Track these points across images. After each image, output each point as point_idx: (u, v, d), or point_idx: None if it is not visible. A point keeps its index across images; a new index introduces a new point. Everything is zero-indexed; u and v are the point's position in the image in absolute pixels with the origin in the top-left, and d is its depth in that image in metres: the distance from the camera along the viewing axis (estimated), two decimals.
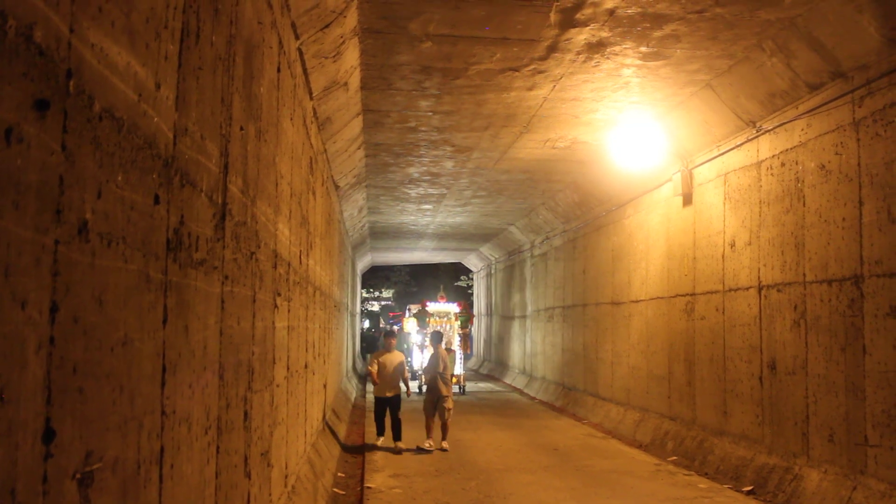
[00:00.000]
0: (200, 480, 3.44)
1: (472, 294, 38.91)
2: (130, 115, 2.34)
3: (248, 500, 4.76)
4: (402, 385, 12.43)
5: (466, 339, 24.12)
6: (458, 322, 24.01)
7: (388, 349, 12.56)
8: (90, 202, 2.03)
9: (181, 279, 3.00)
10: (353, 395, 20.16)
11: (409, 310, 30.20)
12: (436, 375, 12.33)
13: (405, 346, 28.02)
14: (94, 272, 2.08)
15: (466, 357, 25.19)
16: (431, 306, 24.73)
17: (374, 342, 34.46)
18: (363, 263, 35.05)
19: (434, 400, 12.23)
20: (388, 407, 12.21)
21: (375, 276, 46.27)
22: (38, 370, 1.74)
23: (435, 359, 12.55)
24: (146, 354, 2.57)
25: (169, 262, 2.82)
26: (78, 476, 1.98)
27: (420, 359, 23.10)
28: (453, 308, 24.74)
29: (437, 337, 13.06)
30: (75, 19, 1.91)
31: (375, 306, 52.72)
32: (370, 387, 26.08)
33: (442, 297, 25.71)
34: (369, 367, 12.40)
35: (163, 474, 2.80)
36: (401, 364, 12.37)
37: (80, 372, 1.99)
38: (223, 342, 3.87)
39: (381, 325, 43.16)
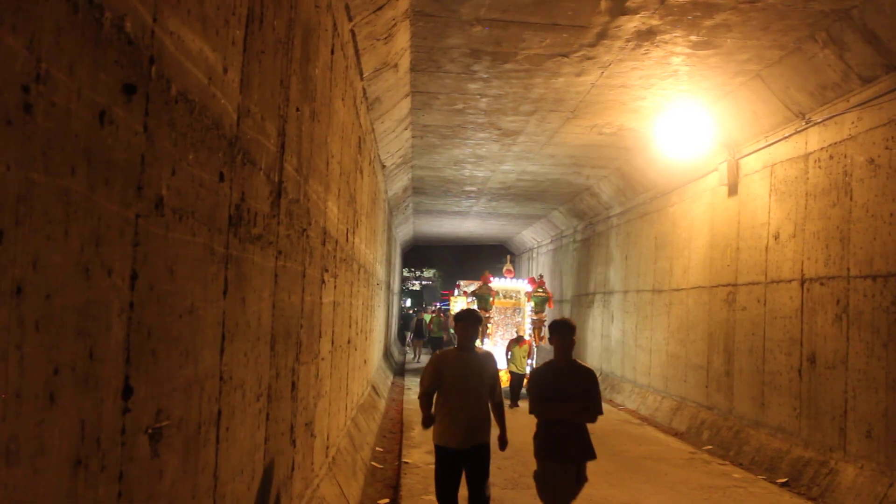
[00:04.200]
0: (252, 445, 3.62)
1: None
2: (201, 97, 2.50)
3: (293, 468, 4.96)
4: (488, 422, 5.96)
5: (541, 327, 17.68)
6: (532, 304, 18.26)
7: (463, 347, 5.99)
8: (166, 179, 2.19)
9: (240, 253, 3.17)
10: (390, 378, 20.37)
11: (459, 286, 24.93)
12: (567, 420, 5.64)
13: (447, 331, 25.53)
14: (168, 244, 2.24)
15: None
16: (496, 283, 18.81)
17: (410, 322, 29.53)
18: (405, 241, 35.31)
19: (567, 472, 5.62)
20: (463, 471, 5.83)
21: (417, 256, 46.54)
22: (120, 332, 1.91)
23: (566, 378, 5.70)
24: (209, 323, 2.74)
25: (230, 236, 2.98)
26: (150, 431, 2.15)
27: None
28: (523, 286, 19.05)
29: (566, 331, 5.83)
30: (158, 9, 2.06)
31: (416, 286, 53.02)
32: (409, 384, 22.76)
33: (509, 272, 20.08)
34: (421, 388, 6.05)
35: (219, 436, 2.98)
36: (492, 379, 6.00)
37: (154, 336, 2.15)
38: (275, 314, 4.05)
39: (423, 306, 41.59)
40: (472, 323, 6.05)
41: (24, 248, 1.42)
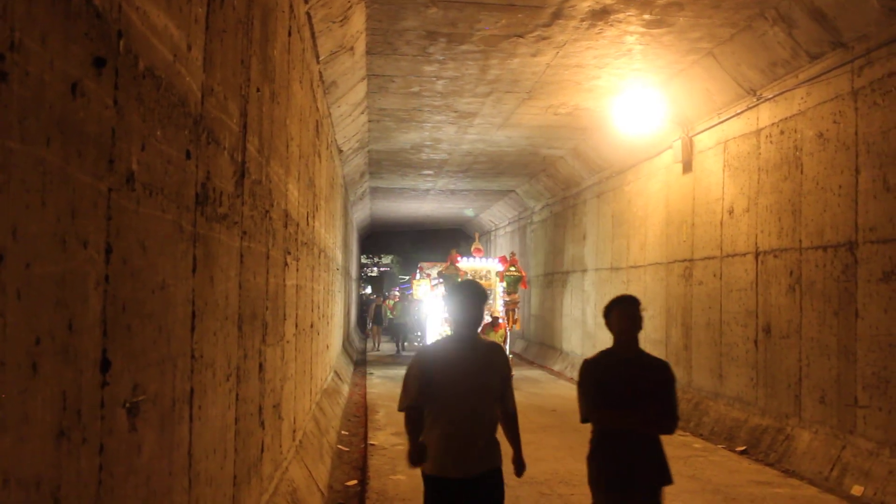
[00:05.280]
0: (223, 424, 3.63)
1: None
2: (167, 74, 2.49)
3: (262, 450, 4.97)
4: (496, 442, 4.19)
5: (515, 310, 16.65)
6: (504, 284, 16.95)
7: (462, 335, 4.18)
8: (136, 154, 2.19)
9: (207, 231, 3.17)
10: (352, 364, 20.37)
11: (421, 269, 23.60)
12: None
13: (411, 317, 24.50)
14: (139, 219, 2.24)
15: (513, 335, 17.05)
16: (464, 263, 17.47)
17: (370, 308, 27.71)
18: (363, 227, 35.20)
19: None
20: None
21: (375, 243, 46.42)
22: (97, 305, 1.91)
23: (634, 372, 4.25)
24: (179, 300, 2.74)
25: (197, 214, 2.98)
26: (127, 405, 2.16)
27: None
28: (494, 265, 17.75)
29: (630, 306, 4.40)
30: None
31: (375, 272, 52.89)
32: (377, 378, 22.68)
33: (478, 250, 18.57)
34: (403, 400, 4.16)
35: (192, 414, 2.99)
36: (501, 380, 4.20)
37: (128, 310, 2.16)
38: (242, 295, 4.05)
39: (384, 293, 41.19)
40: (473, 299, 4.16)
41: (3, 216, 1.42)
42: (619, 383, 4.14)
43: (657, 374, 4.23)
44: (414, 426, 4.10)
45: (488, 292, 17.33)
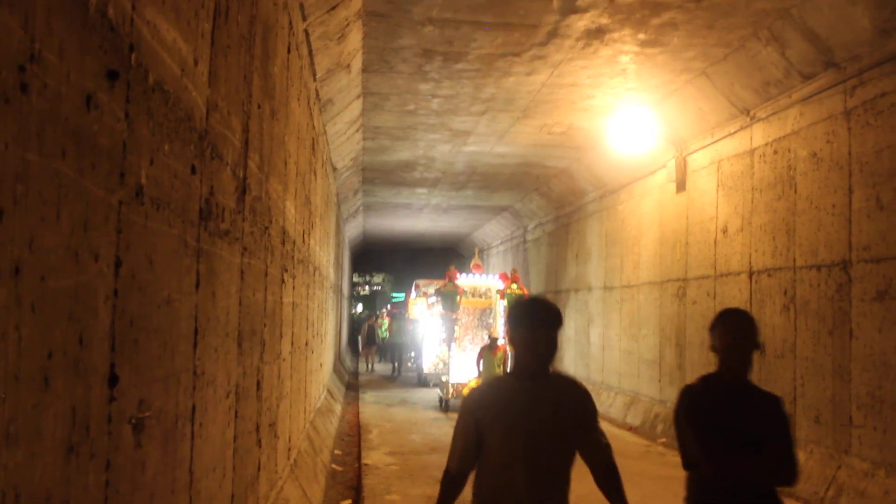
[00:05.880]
0: (222, 442, 3.60)
1: None
2: (175, 88, 2.49)
3: (259, 468, 4.93)
4: None
5: None
6: (505, 303, 15.75)
7: (527, 372, 3.09)
8: (145, 168, 2.18)
9: (210, 247, 3.15)
10: (344, 384, 20.26)
11: (417, 287, 22.61)
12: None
13: (403, 339, 23.77)
14: (147, 233, 2.23)
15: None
16: (463, 280, 16.50)
17: (362, 327, 27.45)
18: (355, 246, 35.15)
19: None
20: None
21: (367, 262, 46.35)
22: (106, 319, 1.90)
23: (745, 407, 3.39)
24: (183, 315, 2.73)
25: (201, 229, 2.97)
26: (133, 421, 2.14)
27: (453, 367, 15.28)
28: (495, 282, 16.65)
29: (744, 325, 3.45)
30: None
31: (366, 290, 52.80)
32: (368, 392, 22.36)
33: (477, 266, 17.54)
34: (450, 461, 3.16)
35: (194, 431, 2.96)
36: (587, 424, 3.16)
37: (136, 325, 2.15)
38: (241, 312, 4.03)
39: (377, 312, 40.56)
40: (546, 326, 3.06)
41: (21, 228, 1.41)
42: (728, 420, 3.33)
43: (770, 410, 3.44)
44: (446, 496, 3.17)
45: (493, 311, 16.07)
